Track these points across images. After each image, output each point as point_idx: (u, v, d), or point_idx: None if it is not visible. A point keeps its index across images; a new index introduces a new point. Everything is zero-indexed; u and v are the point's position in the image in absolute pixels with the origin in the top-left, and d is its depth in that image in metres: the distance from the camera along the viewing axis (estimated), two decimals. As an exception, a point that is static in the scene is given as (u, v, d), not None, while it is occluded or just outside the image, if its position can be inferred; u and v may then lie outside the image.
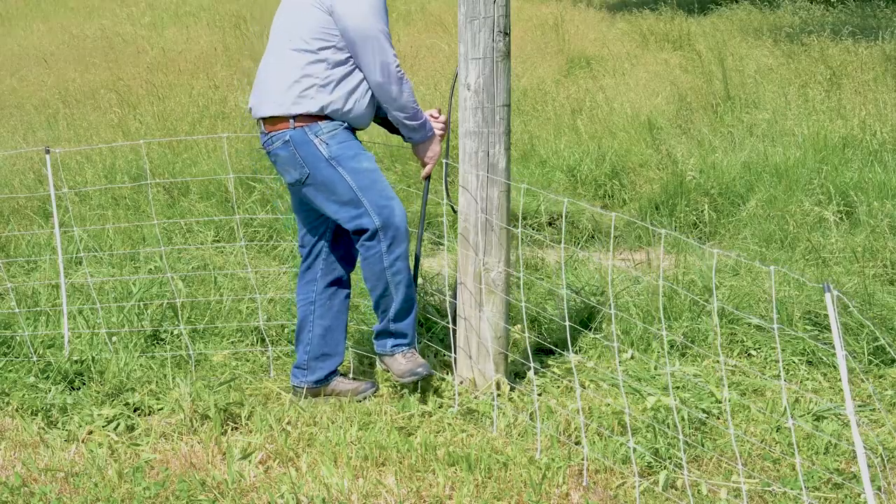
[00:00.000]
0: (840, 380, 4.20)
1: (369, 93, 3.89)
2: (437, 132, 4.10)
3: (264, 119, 3.91)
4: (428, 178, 4.15)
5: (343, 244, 4.13)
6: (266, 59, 3.99)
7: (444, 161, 4.14)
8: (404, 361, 4.01)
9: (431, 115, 4.12)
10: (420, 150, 4.07)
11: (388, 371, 4.10)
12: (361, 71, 3.85)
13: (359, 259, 4.04)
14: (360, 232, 3.90)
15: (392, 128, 4.10)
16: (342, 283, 4.15)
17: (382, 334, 4.07)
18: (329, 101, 3.82)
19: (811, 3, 13.86)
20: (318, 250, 4.13)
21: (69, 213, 6.48)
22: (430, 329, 4.70)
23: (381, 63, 3.79)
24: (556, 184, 7.38)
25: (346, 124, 3.90)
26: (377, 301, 4.01)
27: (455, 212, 4.07)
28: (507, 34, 3.83)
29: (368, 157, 3.92)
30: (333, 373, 4.17)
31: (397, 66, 3.82)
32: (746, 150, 7.28)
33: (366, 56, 3.79)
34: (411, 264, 4.09)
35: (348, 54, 3.82)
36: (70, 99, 10.22)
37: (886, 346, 4.20)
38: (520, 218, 3.97)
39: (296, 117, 3.83)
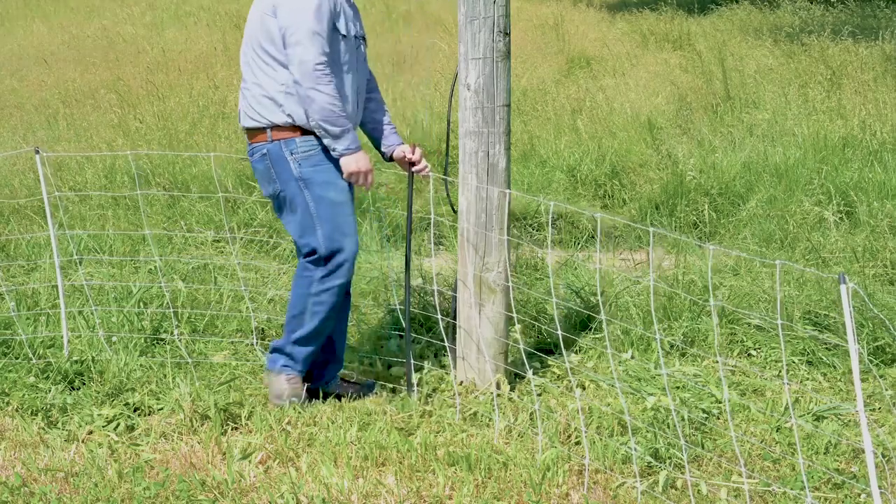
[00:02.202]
0: (840, 380, 4.20)
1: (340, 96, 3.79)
2: (414, 169, 4.05)
3: (246, 129, 3.91)
4: (410, 185, 4.10)
5: None
6: (242, 69, 3.97)
7: (444, 160, 4.15)
8: (287, 386, 3.97)
9: (405, 155, 4.04)
10: (343, 164, 3.83)
11: (266, 387, 4.06)
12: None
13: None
14: (310, 253, 3.90)
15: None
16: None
17: (278, 351, 4.05)
18: (295, 109, 3.76)
19: (811, 3, 13.85)
20: None
21: (69, 213, 6.49)
22: (431, 329, 4.70)
23: (299, 60, 3.68)
24: (556, 184, 7.38)
25: (321, 146, 3.82)
26: (289, 318, 4.00)
27: (455, 212, 4.07)
28: (507, 34, 3.83)
29: (340, 187, 3.85)
30: (333, 378, 4.17)
31: (318, 65, 3.65)
32: (746, 150, 7.28)
33: (289, 50, 3.70)
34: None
35: None
36: (70, 99, 10.22)
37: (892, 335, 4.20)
38: (517, 229, 3.97)
39: (273, 128, 3.81)
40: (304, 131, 3.81)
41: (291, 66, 3.70)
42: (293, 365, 4.01)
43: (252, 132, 3.88)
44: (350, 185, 3.91)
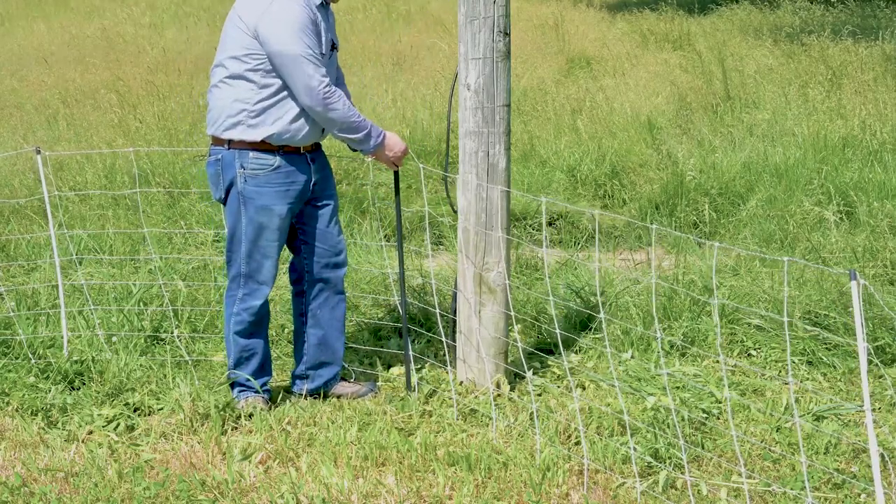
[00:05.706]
0: (839, 380, 4.20)
1: (304, 115, 3.81)
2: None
3: (211, 135, 3.91)
4: (397, 179, 4.13)
5: (325, 253, 4.05)
6: (211, 77, 3.96)
7: (444, 161, 4.15)
8: (248, 409, 3.98)
9: None
10: (379, 157, 3.98)
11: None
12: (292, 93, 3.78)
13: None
14: (234, 270, 3.95)
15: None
16: (332, 290, 4.10)
17: (231, 383, 4.11)
18: (259, 131, 3.77)
19: (811, 3, 13.85)
20: (298, 263, 4.10)
21: (69, 213, 6.49)
22: (431, 329, 4.70)
23: (304, 87, 3.70)
24: (557, 184, 7.38)
25: (276, 164, 3.82)
26: (226, 341, 4.08)
27: (455, 211, 4.07)
28: (507, 34, 3.83)
29: (275, 213, 3.84)
30: (333, 379, 4.16)
31: (324, 86, 3.71)
32: (746, 150, 7.28)
33: (290, 80, 3.72)
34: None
35: (276, 76, 3.75)
36: (70, 99, 10.22)
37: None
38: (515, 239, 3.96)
39: (230, 141, 3.82)
40: (262, 147, 3.80)
41: (300, 97, 3.73)
42: (243, 388, 4.06)
43: (215, 137, 3.88)
44: (288, 211, 3.88)
